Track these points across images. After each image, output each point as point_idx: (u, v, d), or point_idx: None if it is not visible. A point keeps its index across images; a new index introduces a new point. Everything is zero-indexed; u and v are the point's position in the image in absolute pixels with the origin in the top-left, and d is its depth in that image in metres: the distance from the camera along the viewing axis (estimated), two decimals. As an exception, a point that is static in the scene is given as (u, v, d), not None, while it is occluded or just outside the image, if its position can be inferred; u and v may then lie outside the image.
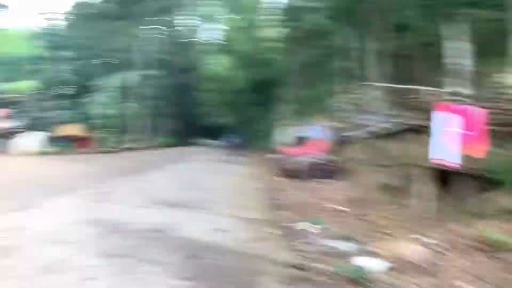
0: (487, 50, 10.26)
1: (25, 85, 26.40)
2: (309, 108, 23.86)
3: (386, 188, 8.74)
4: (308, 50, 28.85)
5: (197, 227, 6.12)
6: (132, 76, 29.61)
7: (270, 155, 19.16)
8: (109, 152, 19.88)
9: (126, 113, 29.98)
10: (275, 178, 13.48)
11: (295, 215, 7.64)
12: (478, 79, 9.72)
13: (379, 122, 8.24)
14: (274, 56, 40.63)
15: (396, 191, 8.32)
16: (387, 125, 7.76)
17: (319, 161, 13.51)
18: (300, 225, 6.75)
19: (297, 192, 10.63)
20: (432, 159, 6.43)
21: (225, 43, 48.80)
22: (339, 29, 19.37)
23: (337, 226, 6.78)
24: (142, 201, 7.86)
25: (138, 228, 5.69)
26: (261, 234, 6.06)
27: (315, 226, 6.70)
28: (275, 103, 35.55)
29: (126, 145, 24.15)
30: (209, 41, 54.67)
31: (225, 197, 9.26)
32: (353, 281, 4.19)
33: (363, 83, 13.66)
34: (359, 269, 4.54)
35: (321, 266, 4.71)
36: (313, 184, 12.17)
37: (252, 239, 5.73)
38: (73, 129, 19.76)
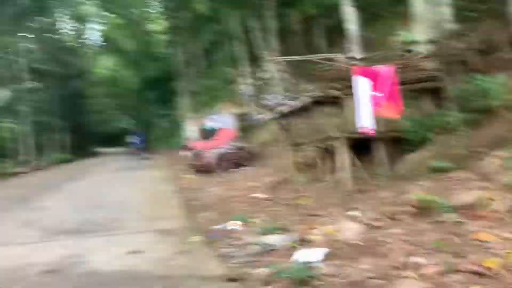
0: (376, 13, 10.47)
1: None
2: (211, 97, 23.19)
3: (307, 167, 8.42)
4: (196, 39, 28.03)
5: (106, 254, 5.07)
6: (3, 93, 26.07)
7: (179, 153, 18.19)
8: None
9: (2, 135, 26.48)
10: (188, 176, 12.60)
11: (218, 215, 6.93)
12: (371, 42, 9.83)
13: (288, 100, 7.79)
14: (162, 50, 38.96)
15: (317, 169, 8.02)
16: (297, 102, 7.32)
17: (231, 151, 12.92)
18: (226, 226, 6.05)
19: (214, 187, 9.92)
20: (359, 128, 6.10)
21: (107, 43, 45.60)
22: (225, 13, 18.84)
23: (266, 218, 6.20)
24: (33, 235, 6.46)
25: (28, 274, 4.46)
26: (184, 246, 5.22)
27: (241, 223, 6.05)
28: (173, 98, 34.17)
29: (9, 170, 21.16)
30: (92, 43, 50.83)
31: (136, 210, 8.16)
32: (301, 282, 3.58)
33: (264, 62, 13.35)
34: (303, 266, 3.96)
35: (259, 271, 4.05)
36: (229, 176, 11.56)
37: (174, 254, 4.87)
38: None
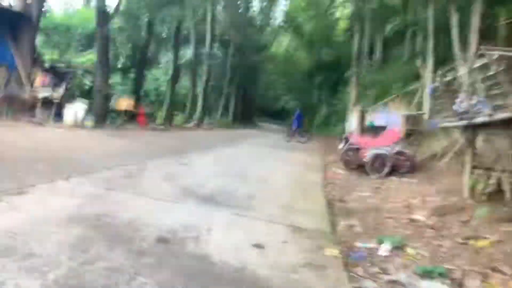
0: None
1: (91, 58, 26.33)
2: (382, 92, 21.36)
3: (492, 199, 6.50)
4: (378, 29, 26.04)
5: (226, 237, 4.42)
6: (191, 53, 28.62)
7: (337, 144, 17.22)
8: (161, 129, 18.91)
9: (181, 91, 29.14)
10: (341, 171, 11.51)
11: (364, 228, 5.71)
12: None
13: (487, 107, 5.96)
14: (340, 37, 37.82)
15: (507, 205, 6.07)
16: (501, 112, 5.49)
17: (392, 154, 11.29)
18: (372, 246, 4.84)
19: (366, 192, 8.62)
20: None
21: (288, 22, 46.46)
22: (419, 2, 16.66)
23: (424, 252, 4.77)
24: (168, 191, 6.32)
25: (140, 236, 4.08)
26: (316, 256, 4.23)
27: (392, 248, 4.76)
28: (342, 87, 33.03)
29: (178, 123, 23.23)
30: (275, 22, 52.58)
31: (277, 193, 7.50)
32: None
33: (459, 60, 11.22)
34: None
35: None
36: (385, 182, 10.05)
37: (301, 265, 3.92)
38: (126, 104, 18.97)
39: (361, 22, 26.10)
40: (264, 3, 46.18)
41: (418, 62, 15.92)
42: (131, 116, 19.09)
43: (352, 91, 25.84)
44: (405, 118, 13.77)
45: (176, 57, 26.54)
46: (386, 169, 10.91)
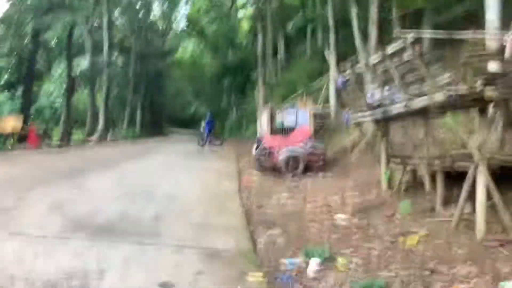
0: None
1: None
2: (289, 91, 21.46)
3: (411, 190, 6.34)
4: (280, 28, 26.33)
5: (124, 281, 3.50)
6: (87, 63, 26.31)
7: (249, 147, 16.76)
8: (57, 149, 16.85)
9: (79, 105, 26.77)
10: (256, 175, 10.95)
11: (288, 238, 5.13)
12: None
13: (400, 97, 5.73)
14: (244, 38, 37.90)
15: (427, 196, 5.92)
16: (414, 101, 5.26)
17: (306, 152, 11.06)
18: (299, 262, 4.22)
19: (285, 194, 8.12)
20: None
21: (190, 25, 45.46)
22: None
23: (357, 260, 4.29)
24: (53, 225, 5.14)
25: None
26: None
27: (321, 261, 4.18)
28: (250, 88, 32.97)
29: (79, 140, 21.15)
30: (176, 26, 51.23)
31: (188, 209, 6.65)
32: None
33: (363, 51, 11.29)
34: None
35: None
36: (302, 182, 9.71)
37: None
38: (12, 124, 16.48)
39: (263, 22, 26.16)
40: (165, 6, 44.60)
41: (327, 55, 16.06)
42: (20, 138, 16.65)
43: (259, 92, 25.79)
44: (312, 115, 13.71)
45: (70, 67, 24.12)
46: (301, 168, 10.63)
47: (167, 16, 46.54)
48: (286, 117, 14.27)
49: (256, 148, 12.41)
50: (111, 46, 28.04)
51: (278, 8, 24.26)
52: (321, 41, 18.73)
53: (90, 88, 25.69)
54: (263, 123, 15.84)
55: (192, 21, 46.54)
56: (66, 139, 19.39)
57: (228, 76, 34.87)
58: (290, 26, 23.91)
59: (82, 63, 27.01)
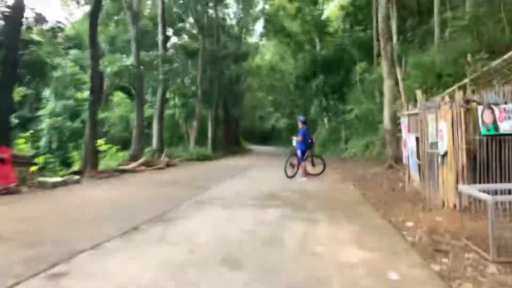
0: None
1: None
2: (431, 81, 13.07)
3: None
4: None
5: None
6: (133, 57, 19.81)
7: (371, 173, 8.81)
8: (68, 183, 10.23)
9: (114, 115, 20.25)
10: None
11: None
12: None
13: None
14: (343, 19, 29.95)
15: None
16: None
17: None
18: None
19: None
20: None
21: (270, 24, 38.57)
22: None
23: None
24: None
25: None
26: None
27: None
28: (351, 88, 24.84)
29: (116, 164, 14.55)
30: (254, 29, 45.00)
31: None
32: None
33: None
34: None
35: None
36: None
37: None
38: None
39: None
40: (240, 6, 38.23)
41: None
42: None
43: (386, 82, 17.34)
44: None
45: (96, 64, 17.27)
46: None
47: (244, 18, 40.30)
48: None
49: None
50: (165, 40, 21.56)
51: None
52: None
53: (138, 93, 18.90)
54: (433, 130, 7.63)
55: (270, 20, 39.92)
56: (92, 166, 12.72)
57: (317, 76, 26.81)
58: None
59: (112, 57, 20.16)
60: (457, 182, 6.40)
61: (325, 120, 28.92)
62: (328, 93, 26.02)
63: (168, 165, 17.83)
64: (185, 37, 34.82)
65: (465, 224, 5.17)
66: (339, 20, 29.09)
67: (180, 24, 32.48)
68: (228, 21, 39.58)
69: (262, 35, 44.47)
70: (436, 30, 17.07)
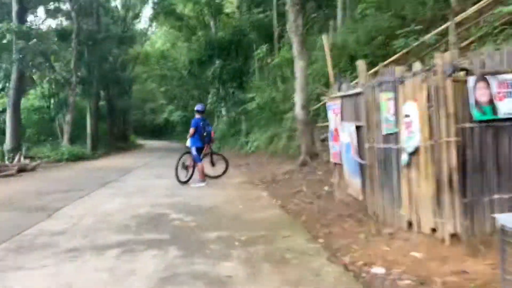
0: None
1: None
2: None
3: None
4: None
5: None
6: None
7: (285, 171, 6.41)
8: None
9: None
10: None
11: None
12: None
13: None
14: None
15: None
16: None
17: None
18: None
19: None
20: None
21: (158, 8, 34.64)
22: None
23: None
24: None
25: None
26: None
27: None
28: (251, 76, 22.57)
29: None
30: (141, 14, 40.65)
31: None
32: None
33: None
34: None
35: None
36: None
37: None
38: None
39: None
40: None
41: None
42: None
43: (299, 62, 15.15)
44: None
45: None
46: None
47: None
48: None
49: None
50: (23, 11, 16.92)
51: None
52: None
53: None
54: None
55: (159, 3, 35.99)
56: None
57: (213, 62, 23.93)
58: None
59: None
60: (438, 194, 4.16)
61: (223, 111, 26.25)
62: (226, 80, 23.34)
63: (21, 170, 13.55)
64: (63, 20, 29.55)
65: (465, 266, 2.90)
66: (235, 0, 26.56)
67: (55, 4, 27.18)
68: (113, 3, 35.07)
69: (151, 19, 40.39)
70: (339, 13, 15.47)
